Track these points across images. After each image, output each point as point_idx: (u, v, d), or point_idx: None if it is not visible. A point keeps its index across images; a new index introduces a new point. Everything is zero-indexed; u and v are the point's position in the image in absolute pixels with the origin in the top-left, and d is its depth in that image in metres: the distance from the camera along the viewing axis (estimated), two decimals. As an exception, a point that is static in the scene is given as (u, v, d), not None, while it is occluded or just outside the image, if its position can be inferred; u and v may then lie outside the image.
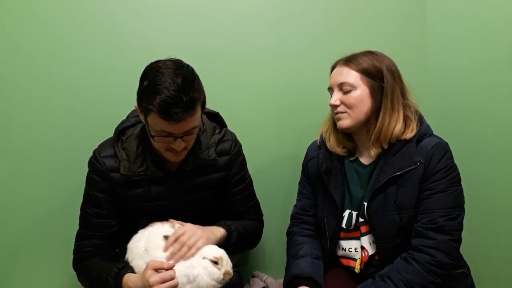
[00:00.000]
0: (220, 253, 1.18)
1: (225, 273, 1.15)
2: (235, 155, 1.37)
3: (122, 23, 1.57)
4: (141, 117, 1.20)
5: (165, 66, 1.13)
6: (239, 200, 1.41)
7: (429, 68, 1.76)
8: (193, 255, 1.16)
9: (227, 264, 1.16)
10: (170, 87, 1.08)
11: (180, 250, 1.15)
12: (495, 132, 1.46)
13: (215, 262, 1.15)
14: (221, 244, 1.27)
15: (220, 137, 1.34)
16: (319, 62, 1.59)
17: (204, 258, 1.16)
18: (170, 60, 1.17)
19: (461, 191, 1.22)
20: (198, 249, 1.17)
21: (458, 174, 1.23)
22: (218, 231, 1.28)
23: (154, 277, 1.08)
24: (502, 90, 1.43)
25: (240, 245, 1.36)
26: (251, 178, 1.46)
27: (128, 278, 1.16)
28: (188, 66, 1.18)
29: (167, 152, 1.21)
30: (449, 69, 1.68)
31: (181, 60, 1.18)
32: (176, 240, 1.16)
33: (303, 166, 1.47)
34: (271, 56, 1.68)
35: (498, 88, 1.45)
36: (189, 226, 1.21)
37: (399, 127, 1.23)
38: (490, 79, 1.48)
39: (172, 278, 1.09)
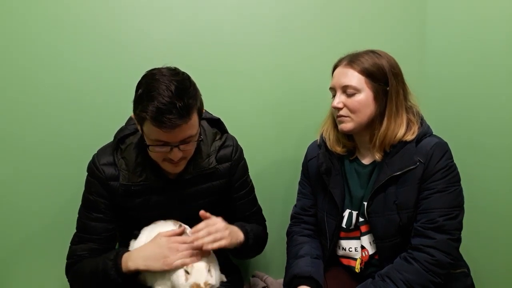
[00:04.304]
0: (195, 263, 1.14)
1: (192, 285, 1.10)
2: (236, 161, 1.36)
3: (122, 25, 1.56)
4: (138, 127, 1.19)
5: (160, 74, 1.11)
6: (242, 205, 1.40)
7: (429, 68, 1.76)
8: (213, 248, 1.15)
9: (200, 276, 1.11)
10: (163, 94, 1.06)
11: (204, 238, 1.14)
12: (494, 132, 1.46)
13: (187, 272, 1.12)
14: (238, 247, 1.26)
15: (221, 144, 1.33)
16: (319, 63, 1.60)
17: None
18: (166, 67, 1.15)
19: (461, 190, 1.22)
20: (220, 246, 1.16)
21: (458, 173, 1.23)
22: (240, 236, 1.27)
23: (176, 238, 1.16)
24: (501, 89, 1.43)
25: (255, 248, 1.37)
26: (252, 184, 1.46)
27: (129, 254, 1.17)
28: (183, 73, 1.15)
29: (165, 163, 1.19)
30: (449, 69, 1.68)
31: (177, 68, 1.16)
32: (205, 227, 1.17)
33: (303, 166, 1.47)
34: (271, 57, 1.67)
35: (498, 88, 1.45)
36: (220, 221, 1.21)
37: (402, 131, 1.23)
38: (490, 79, 1.48)
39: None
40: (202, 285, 1.10)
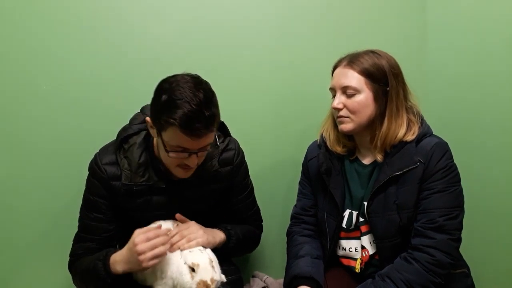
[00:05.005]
0: (200, 260, 1.13)
1: (199, 283, 1.09)
2: (237, 165, 1.36)
3: (123, 26, 1.56)
4: (152, 131, 1.18)
5: (184, 81, 1.11)
6: (241, 208, 1.41)
7: (429, 68, 1.76)
8: (190, 247, 1.18)
9: (205, 273, 1.11)
10: (192, 101, 1.07)
11: (179, 241, 1.18)
12: (495, 132, 1.46)
13: (193, 269, 1.11)
14: (219, 248, 1.28)
15: (224, 147, 1.33)
16: (318, 63, 1.60)
17: (185, 262, 1.13)
18: (188, 74, 1.15)
19: (461, 190, 1.22)
20: (197, 244, 1.19)
21: (458, 174, 1.23)
22: (219, 236, 1.29)
23: (139, 237, 1.11)
24: (502, 89, 1.43)
25: (238, 249, 1.38)
26: (252, 185, 1.46)
27: (115, 255, 1.18)
28: (206, 82, 1.16)
29: (177, 168, 1.20)
30: (449, 69, 1.67)
31: (199, 75, 1.17)
32: (178, 232, 1.20)
33: (303, 166, 1.47)
34: (271, 58, 1.67)
35: (498, 88, 1.45)
36: (193, 224, 1.25)
37: (403, 131, 1.23)
38: (490, 78, 1.48)
39: (157, 235, 1.12)
40: (209, 282, 1.10)
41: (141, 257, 1.09)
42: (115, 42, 1.56)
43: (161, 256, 1.12)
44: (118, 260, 1.16)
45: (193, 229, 1.23)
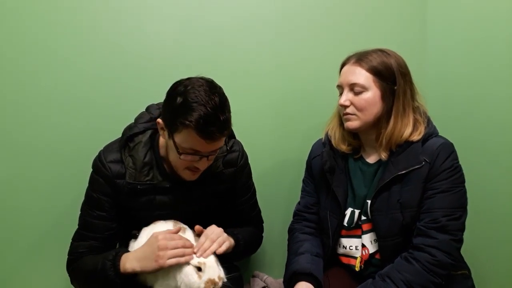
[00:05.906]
0: (207, 259, 1.13)
1: (207, 282, 1.09)
2: (241, 167, 1.36)
3: (123, 25, 1.55)
4: (163, 133, 1.18)
5: (199, 84, 1.12)
6: (245, 209, 1.42)
7: (429, 68, 1.76)
8: (222, 251, 1.16)
9: (213, 272, 1.11)
10: (207, 105, 1.08)
11: (211, 247, 1.16)
12: (495, 133, 1.47)
13: (199, 269, 1.10)
14: (228, 252, 1.26)
15: (228, 148, 1.33)
16: (321, 63, 1.60)
17: (189, 263, 1.12)
18: (202, 78, 1.15)
19: (465, 192, 1.23)
20: (227, 247, 1.19)
21: (463, 175, 1.23)
22: (232, 241, 1.28)
23: (163, 234, 1.12)
24: (502, 89, 1.44)
25: (245, 253, 1.39)
26: (254, 187, 1.46)
27: (127, 255, 1.16)
28: (220, 86, 1.16)
29: (186, 171, 1.20)
30: (449, 69, 1.68)
31: (212, 79, 1.17)
32: (206, 238, 1.18)
33: (306, 163, 1.47)
34: (273, 58, 1.66)
35: (498, 88, 1.46)
36: (215, 227, 1.23)
37: (409, 130, 1.23)
38: (490, 79, 1.49)
39: (181, 238, 1.13)
40: (216, 279, 1.09)
41: (161, 253, 1.09)
42: (117, 42, 1.55)
43: (180, 258, 1.10)
44: (131, 257, 1.15)
45: (218, 231, 1.21)
